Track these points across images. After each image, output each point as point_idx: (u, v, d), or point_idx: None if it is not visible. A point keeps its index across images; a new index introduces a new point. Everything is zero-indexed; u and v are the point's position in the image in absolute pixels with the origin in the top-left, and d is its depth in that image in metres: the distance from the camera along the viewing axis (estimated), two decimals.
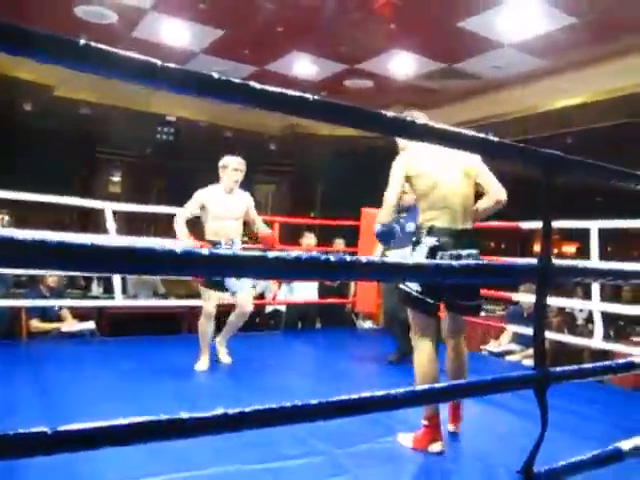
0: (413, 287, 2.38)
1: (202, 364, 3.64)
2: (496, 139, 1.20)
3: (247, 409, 1.05)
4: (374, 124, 1.15)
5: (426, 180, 2.42)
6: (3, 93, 6.39)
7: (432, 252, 2.34)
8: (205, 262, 0.93)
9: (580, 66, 5.75)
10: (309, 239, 5.57)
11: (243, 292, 3.68)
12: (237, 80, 0.97)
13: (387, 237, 2.59)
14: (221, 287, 3.67)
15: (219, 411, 1.02)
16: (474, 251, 2.39)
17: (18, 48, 0.80)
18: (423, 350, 2.42)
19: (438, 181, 2.41)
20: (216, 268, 0.99)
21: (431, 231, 2.37)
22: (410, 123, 1.15)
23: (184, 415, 0.98)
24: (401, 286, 2.45)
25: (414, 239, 2.46)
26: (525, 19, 4.91)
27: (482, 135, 1.19)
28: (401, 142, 2.69)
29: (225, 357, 3.83)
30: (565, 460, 1.47)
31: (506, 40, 5.40)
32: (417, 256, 2.37)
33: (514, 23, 5.01)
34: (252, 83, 0.98)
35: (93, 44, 0.79)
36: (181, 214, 3.63)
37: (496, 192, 2.45)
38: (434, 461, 2.35)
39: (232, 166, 3.66)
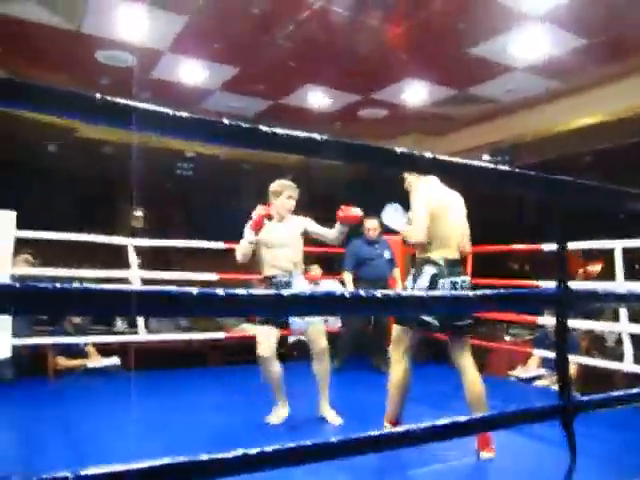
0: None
1: (276, 416, 3.18)
2: (501, 167, 1.20)
3: (267, 448, 1.05)
4: (383, 160, 1.16)
5: (434, 217, 2.70)
6: (31, 136, 6.62)
7: (432, 279, 2.64)
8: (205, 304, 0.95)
9: (593, 86, 5.74)
10: (314, 271, 5.58)
11: (312, 327, 3.21)
12: (246, 125, 1.00)
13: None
14: (280, 323, 3.20)
15: (239, 451, 1.02)
16: (467, 278, 2.74)
17: (38, 106, 0.85)
18: (399, 363, 2.78)
19: (444, 218, 2.71)
20: (227, 308, 1.00)
21: (431, 262, 2.68)
22: (419, 157, 1.17)
23: (204, 456, 0.99)
24: None
25: (416, 269, 2.74)
26: (535, 43, 4.94)
27: (487, 164, 1.20)
28: (411, 177, 2.90)
29: (333, 417, 3.21)
30: None
31: (518, 64, 5.42)
32: (420, 283, 2.67)
33: (524, 47, 5.03)
34: (262, 127, 1.01)
35: (100, 97, 0.83)
36: (239, 250, 3.17)
37: None
38: None
39: (287, 192, 3.23)
